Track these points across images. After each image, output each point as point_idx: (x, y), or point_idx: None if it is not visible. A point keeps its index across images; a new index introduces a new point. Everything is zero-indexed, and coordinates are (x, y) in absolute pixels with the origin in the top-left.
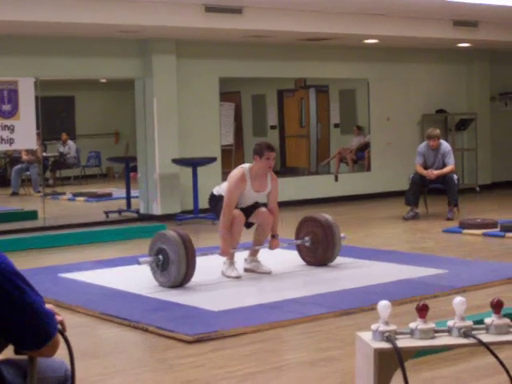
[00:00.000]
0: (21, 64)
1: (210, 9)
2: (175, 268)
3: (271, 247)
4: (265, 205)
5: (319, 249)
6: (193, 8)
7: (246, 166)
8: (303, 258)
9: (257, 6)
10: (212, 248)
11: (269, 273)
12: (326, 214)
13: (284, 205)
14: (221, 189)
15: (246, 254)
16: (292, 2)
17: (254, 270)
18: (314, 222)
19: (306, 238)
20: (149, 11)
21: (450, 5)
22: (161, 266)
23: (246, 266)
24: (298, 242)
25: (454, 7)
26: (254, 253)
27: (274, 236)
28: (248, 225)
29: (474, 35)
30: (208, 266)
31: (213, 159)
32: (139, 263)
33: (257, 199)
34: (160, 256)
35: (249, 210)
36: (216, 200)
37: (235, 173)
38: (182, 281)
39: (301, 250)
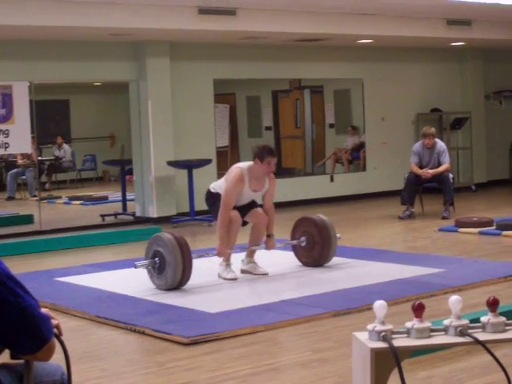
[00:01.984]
0: (15, 68)
1: (203, 11)
2: (171, 271)
3: (268, 247)
4: (261, 205)
5: (315, 249)
6: (186, 10)
7: (244, 166)
8: (299, 259)
9: (250, 8)
10: (208, 249)
11: (265, 274)
12: (321, 215)
13: (280, 205)
14: (217, 186)
15: (242, 255)
16: (285, 3)
17: (251, 272)
18: (310, 223)
19: (302, 239)
20: (142, 14)
21: (444, 4)
22: (157, 268)
23: (243, 267)
24: (294, 242)
25: (448, 6)
26: (250, 254)
27: (269, 236)
28: (243, 223)
29: (468, 34)
30: (204, 268)
31: (208, 161)
32: (136, 267)
33: (253, 198)
34: (156, 259)
35: (245, 209)
36: (213, 198)
37: (233, 173)
38: (178, 283)
39: (297, 250)
